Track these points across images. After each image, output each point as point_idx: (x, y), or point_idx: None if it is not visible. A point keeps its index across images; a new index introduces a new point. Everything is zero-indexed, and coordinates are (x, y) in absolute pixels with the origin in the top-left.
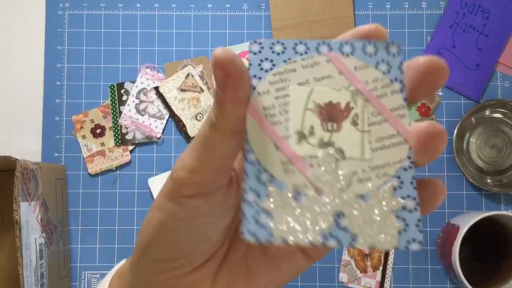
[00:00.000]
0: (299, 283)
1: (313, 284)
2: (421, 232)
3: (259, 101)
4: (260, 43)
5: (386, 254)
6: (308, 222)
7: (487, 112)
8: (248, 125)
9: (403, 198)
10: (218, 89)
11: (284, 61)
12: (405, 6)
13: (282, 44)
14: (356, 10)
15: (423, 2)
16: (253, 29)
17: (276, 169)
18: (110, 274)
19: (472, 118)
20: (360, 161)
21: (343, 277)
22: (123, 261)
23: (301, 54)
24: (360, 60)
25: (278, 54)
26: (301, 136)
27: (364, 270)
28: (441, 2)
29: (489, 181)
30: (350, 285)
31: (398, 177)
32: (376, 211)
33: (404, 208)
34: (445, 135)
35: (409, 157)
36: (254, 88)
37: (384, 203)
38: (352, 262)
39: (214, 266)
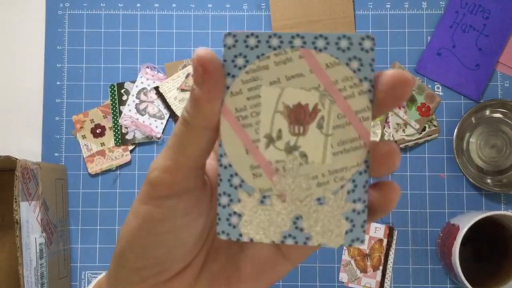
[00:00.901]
0: (299, 283)
1: (313, 284)
2: (364, 232)
3: (232, 102)
4: (234, 35)
5: (386, 254)
6: (271, 224)
7: (487, 112)
8: (221, 128)
9: (354, 201)
10: (195, 85)
11: (258, 56)
12: (405, 6)
13: (256, 37)
14: (356, 10)
15: (423, 2)
16: (253, 29)
17: (246, 173)
18: None
19: (472, 118)
20: (320, 166)
21: (343, 277)
22: (101, 275)
23: (274, 49)
24: (332, 56)
25: (251, 48)
26: (270, 140)
27: (364, 270)
28: (441, 2)
29: (489, 181)
30: (350, 285)
31: (353, 181)
32: (329, 214)
33: (353, 210)
34: (398, 153)
35: (365, 161)
36: (228, 87)
37: (337, 206)
38: (352, 262)
39: (192, 275)
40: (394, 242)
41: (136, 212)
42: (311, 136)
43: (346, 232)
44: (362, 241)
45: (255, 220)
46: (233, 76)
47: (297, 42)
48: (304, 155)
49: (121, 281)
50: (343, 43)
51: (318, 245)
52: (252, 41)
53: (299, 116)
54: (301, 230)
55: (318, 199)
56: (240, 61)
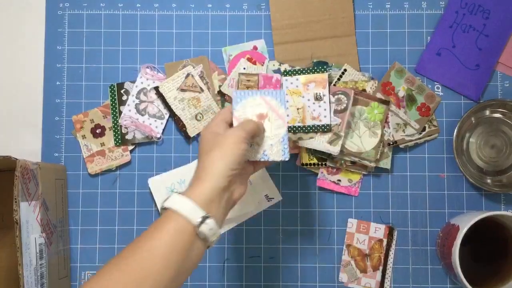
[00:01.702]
0: (299, 283)
1: (313, 284)
2: (287, 149)
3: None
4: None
5: (386, 254)
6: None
7: (487, 112)
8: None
9: (283, 142)
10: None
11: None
12: (405, 6)
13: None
14: (356, 10)
15: (423, 2)
16: (253, 29)
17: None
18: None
19: (472, 118)
20: (270, 134)
21: (343, 277)
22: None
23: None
24: (272, 98)
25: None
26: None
27: (364, 270)
28: (441, 2)
29: (489, 181)
30: (350, 285)
31: (283, 138)
32: (276, 149)
33: (284, 146)
34: None
35: (285, 131)
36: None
37: (278, 145)
38: (352, 262)
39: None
40: (394, 242)
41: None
42: (267, 124)
43: (283, 155)
44: (286, 157)
45: (261, 150)
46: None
47: (260, 94)
48: (265, 131)
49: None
50: (276, 94)
51: (272, 161)
52: (240, 94)
53: (262, 117)
54: (266, 154)
55: (271, 144)
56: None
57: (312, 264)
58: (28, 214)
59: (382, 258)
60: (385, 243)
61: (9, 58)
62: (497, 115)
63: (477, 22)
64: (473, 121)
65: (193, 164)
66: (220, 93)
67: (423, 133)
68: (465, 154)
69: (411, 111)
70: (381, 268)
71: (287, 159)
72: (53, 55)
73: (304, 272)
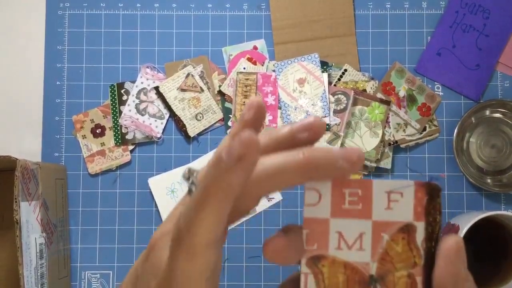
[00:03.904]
0: None
1: None
2: (327, 106)
3: None
4: None
5: (429, 257)
6: None
7: (487, 112)
8: None
9: (322, 100)
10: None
11: None
12: (405, 6)
13: None
14: (356, 10)
15: (423, 2)
16: (253, 29)
17: None
18: None
19: (472, 118)
20: (311, 95)
21: None
22: None
23: None
24: (309, 62)
25: None
26: None
27: None
28: (441, 2)
29: (489, 181)
30: None
31: (321, 96)
32: (317, 106)
33: (323, 103)
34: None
35: (323, 90)
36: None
37: (318, 103)
38: None
39: None
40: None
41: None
42: (306, 86)
43: (323, 111)
44: (327, 114)
45: None
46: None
47: None
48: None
49: None
50: None
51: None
52: None
53: (301, 81)
54: (309, 113)
55: (312, 104)
56: None
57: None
58: (28, 214)
59: (420, 275)
60: (420, 232)
61: (9, 58)
62: (497, 115)
63: (477, 22)
64: (473, 121)
65: (193, 164)
66: (220, 93)
67: (424, 133)
68: (465, 154)
69: (412, 111)
70: None
71: (327, 116)
72: (53, 55)
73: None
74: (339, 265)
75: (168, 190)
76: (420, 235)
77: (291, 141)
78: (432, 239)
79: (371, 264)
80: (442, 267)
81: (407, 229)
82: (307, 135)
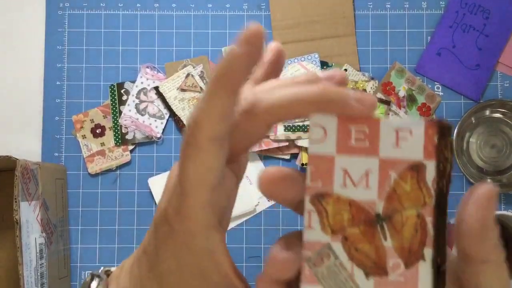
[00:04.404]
0: None
1: None
2: None
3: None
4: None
5: (441, 199)
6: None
7: (487, 112)
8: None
9: None
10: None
11: None
12: (405, 6)
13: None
14: (356, 10)
15: (423, 2)
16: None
17: None
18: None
19: (472, 118)
20: None
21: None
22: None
23: None
24: (308, 62)
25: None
26: None
27: (374, 268)
28: (441, 2)
29: (489, 181)
30: None
31: None
32: None
33: None
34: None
35: None
36: None
37: None
38: (336, 246)
39: None
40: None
41: None
42: None
43: None
44: None
45: None
46: None
47: None
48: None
49: None
50: None
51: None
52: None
53: None
54: None
55: None
56: None
57: None
58: (28, 214)
59: (430, 215)
60: (431, 171)
61: (9, 58)
62: (497, 115)
63: (477, 22)
64: (473, 121)
65: None
66: None
67: None
68: (465, 154)
69: (412, 111)
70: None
71: None
72: (53, 55)
73: None
74: (344, 203)
75: None
76: (430, 174)
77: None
78: (444, 178)
79: (377, 203)
80: (472, 210)
81: (417, 168)
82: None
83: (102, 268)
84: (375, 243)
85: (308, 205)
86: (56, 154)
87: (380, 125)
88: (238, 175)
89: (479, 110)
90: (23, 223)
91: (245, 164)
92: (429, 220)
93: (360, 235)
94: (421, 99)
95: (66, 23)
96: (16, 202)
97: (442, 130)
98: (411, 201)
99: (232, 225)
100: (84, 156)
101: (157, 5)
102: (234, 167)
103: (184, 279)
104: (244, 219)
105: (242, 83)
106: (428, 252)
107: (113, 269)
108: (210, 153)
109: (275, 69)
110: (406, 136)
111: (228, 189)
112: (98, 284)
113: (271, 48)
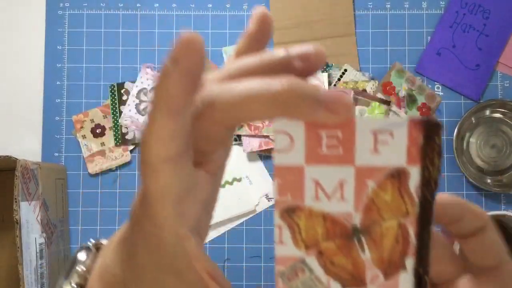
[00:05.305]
0: None
1: None
2: None
3: None
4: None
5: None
6: None
7: (487, 112)
8: None
9: None
10: (169, 61)
11: None
12: (405, 6)
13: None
14: (356, 10)
15: (423, 2)
16: None
17: None
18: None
19: (472, 118)
20: None
21: None
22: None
23: None
24: None
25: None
26: None
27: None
28: (441, 2)
29: (489, 181)
30: None
31: None
32: None
33: None
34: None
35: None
36: None
37: None
38: (311, 261)
39: None
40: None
41: None
42: None
43: None
44: None
45: None
46: None
47: None
48: None
49: None
50: None
51: None
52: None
53: None
54: None
55: None
56: None
57: None
58: (28, 214)
59: (413, 225)
60: (414, 178)
61: (9, 58)
62: (497, 115)
63: (477, 22)
64: (473, 121)
65: None
66: None
67: None
68: (465, 154)
69: (412, 111)
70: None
71: None
72: (53, 55)
73: None
74: (317, 217)
75: None
76: (414, 181)
77: (285, 67)
78: (430, 185)
79: (354, 215)
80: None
81: (398, 175)
82: (302, 65)
83: (92, 240)
84: (352, 256)
85: (277, 220)
86: (56, 154)
87: (356, 128)
88: (216, 173)
89: (479, 110)
90: (23, 223)
91: (223, 159)
92: (411, 230)
93: (336, 249)
94: (421, 99)
95: (66, 23)
96: (16, 202)
97: (429, 130)
98: (392, 211)
99: (232, 225)
100: (84, 156)
101: (157, 5)
102: (209, 167)
103: (160, 274)
104: (244, 219)
105: (185, 100)
106: (410, 262)
107: (104, 241)
108: (166, 172)
109: (259, 41)
110: (386, 139)
111: (203, 193)
112: (87, 257)
113: (255, 15)
